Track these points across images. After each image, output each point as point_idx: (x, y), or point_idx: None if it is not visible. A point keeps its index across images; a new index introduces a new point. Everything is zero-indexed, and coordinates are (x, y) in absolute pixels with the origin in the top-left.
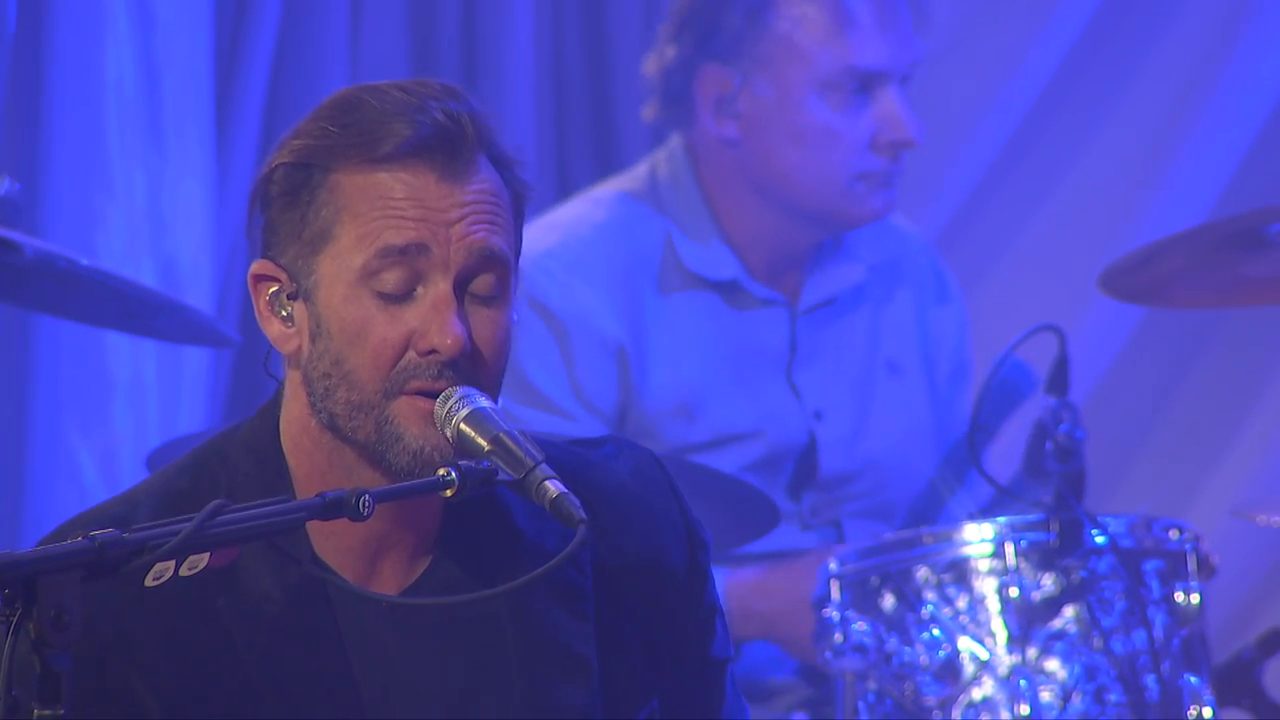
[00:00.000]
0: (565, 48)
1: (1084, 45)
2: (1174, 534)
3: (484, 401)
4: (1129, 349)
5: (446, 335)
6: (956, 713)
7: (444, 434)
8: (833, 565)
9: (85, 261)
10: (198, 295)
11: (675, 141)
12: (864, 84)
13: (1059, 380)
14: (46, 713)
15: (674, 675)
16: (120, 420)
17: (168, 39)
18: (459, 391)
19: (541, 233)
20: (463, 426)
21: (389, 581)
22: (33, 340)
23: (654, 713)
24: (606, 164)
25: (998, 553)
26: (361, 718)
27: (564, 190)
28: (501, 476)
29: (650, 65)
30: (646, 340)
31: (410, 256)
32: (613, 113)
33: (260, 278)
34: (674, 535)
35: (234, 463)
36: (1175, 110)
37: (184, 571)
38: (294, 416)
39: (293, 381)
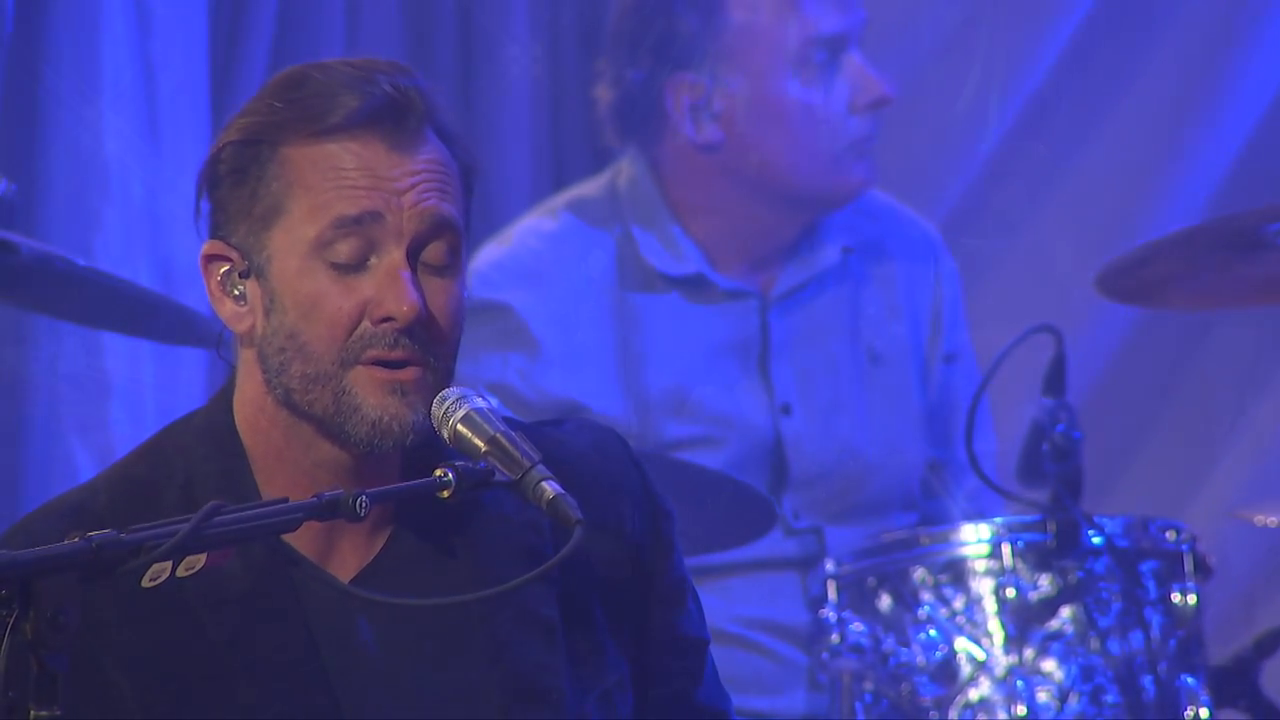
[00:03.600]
0: (562, 44)
1: (1081, 44)
2: (1171, 534)
3: (480, 402)
4: (1126, 349)
5: (402, 302)
6: (953, 713)
7: (440, 433)
8: (829, 566)
9: (82, 262)
10: (194, 296)
11: (632, 155)
12: (830, 51)
13: (1056, 381)
14: (43, 714)
15: (645, 648)
16: (117, 421)
17: (165, 40)
18: (456, 392)
19: (492, 245)
20: (459, 428)
21: (349, 557)
22: (30, 341)
23: (624, 679)
24: (602, 163)
25: (994, 553)
26: (328, 691)
27: (560, 189)
28: (499, 477)
29: (603, 94)
30: (602, 345)
31: (364, 226)
32: None
33: (211, 258)
34: (635, 505)
35: (190, 447)
36: (1172, 110)
37: (181, 572)
38: (249, 396)
39: (246, 361)
